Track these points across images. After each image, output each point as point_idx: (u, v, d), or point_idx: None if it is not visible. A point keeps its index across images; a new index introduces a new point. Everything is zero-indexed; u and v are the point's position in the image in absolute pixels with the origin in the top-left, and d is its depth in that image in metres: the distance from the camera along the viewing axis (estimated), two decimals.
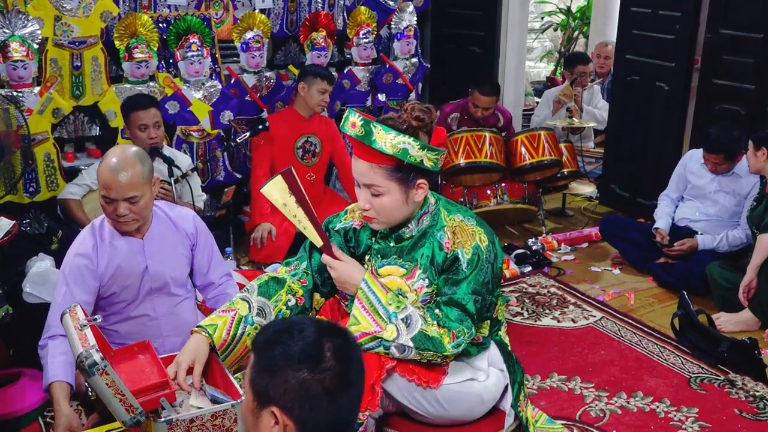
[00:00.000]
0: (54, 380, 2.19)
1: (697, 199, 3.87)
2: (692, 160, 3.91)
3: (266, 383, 1.27)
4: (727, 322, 3.34)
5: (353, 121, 1.80)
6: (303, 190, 1.91)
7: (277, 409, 1.26)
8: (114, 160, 2.31)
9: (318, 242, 1.95)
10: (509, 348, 2.08)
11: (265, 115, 4.34)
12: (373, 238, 2.03)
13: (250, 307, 1.94)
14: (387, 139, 1.78)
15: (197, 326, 1.92)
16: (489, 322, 2.00)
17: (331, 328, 1.34)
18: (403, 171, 1.83)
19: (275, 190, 1.91)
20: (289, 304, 1.99)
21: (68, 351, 2.08)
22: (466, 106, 4.68)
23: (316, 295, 2.07)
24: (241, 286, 3.02)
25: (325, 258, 1.94)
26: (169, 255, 2.52)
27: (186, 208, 2.71)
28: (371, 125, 1.78)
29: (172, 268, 2.53)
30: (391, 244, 1.98)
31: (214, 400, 1.83)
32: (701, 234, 3.78)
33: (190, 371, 1.86)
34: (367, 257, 2.04)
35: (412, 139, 1.78)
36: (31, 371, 2.69)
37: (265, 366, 1.28)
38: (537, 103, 7.01)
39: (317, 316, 2.14)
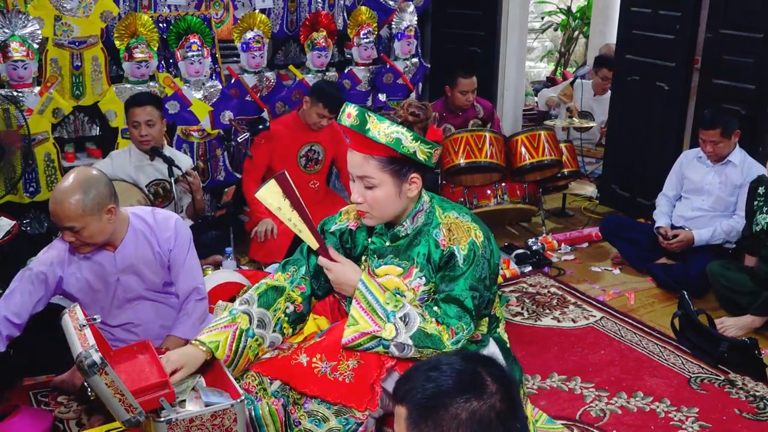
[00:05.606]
0: None
1: (693, 193, 3.87)
2: (687, 157, 3.96)
3: (432, 428, 1.13)
4: (731, 327, 3.29)
5: (349, 111, 1.83)
6: (297, 194, 1.92)
7: None
8: (59, 187, 2.27)
9: (314, 245, 1.95)
10: (508, 345, 2.08)
11: (265, 115, 4.34)
12: (369, 238, 2.03)
13: (250, 320, 1.95)
14: (381, 129, 1.79)
15: (197, 339, 1.92)
16: (487, 319, 2.01)
17: (475, 355, 1.25)
18: (397, 163, 1.84)
19: (269, 195, 1.92)
20: (287, 311, 2.01)
21: None
22: (440, 105, 4.68)
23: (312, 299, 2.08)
24: (241, 287, 3.04)
25: (322, 260, 1.94)
26: (142, 267, 2.49)
27: (169, 212, 2.61)
28: (366, 114, 1.80)
29: (145, 280, 2.51)
30: (387, 243, 1.98)
31: (209, 405, 1.82)
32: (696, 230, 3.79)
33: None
34: (363, 258, 2.04)
35: (405, 129, 1.80)
36: (28, 409, 2.58)
37: (424, 411, 1.14)
38: (537, 103, 7.03)
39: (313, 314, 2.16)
